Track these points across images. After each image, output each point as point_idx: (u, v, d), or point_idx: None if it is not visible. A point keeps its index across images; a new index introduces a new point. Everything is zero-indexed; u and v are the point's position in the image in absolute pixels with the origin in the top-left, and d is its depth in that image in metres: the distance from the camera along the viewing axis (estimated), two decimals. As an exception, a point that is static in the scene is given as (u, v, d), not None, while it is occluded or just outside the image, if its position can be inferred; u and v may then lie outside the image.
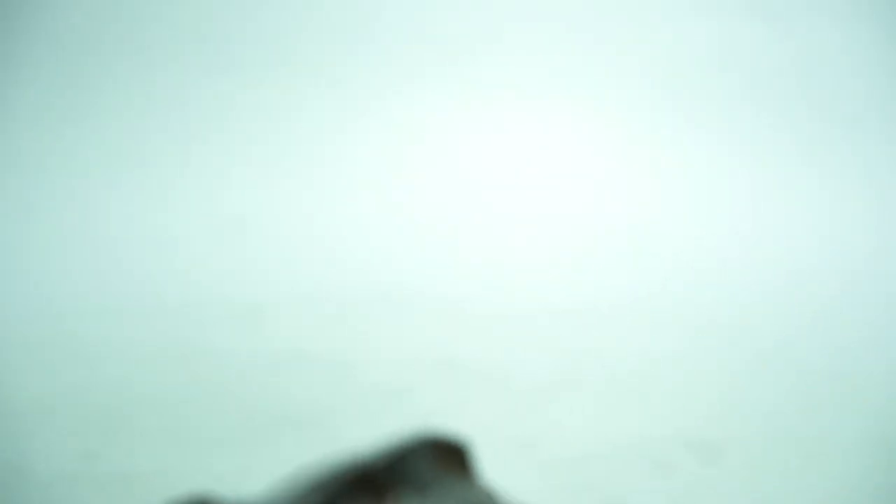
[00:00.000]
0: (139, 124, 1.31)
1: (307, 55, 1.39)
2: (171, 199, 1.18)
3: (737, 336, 0.89)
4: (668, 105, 1.39)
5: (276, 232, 1.13)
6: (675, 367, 0.82)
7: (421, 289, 0.98)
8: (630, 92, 1.39)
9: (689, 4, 1.44)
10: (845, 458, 0.69)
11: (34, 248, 1.05)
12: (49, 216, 1.13)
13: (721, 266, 1.07)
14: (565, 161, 1.28)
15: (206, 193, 1.21)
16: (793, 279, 1.04)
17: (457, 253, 1.12)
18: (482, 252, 1.13)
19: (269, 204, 1.20)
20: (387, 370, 0.80)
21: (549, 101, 1.30)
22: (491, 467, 0.67)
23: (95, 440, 0.68)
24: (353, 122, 1.34)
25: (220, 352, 0.82)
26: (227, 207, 1.18)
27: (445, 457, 0.72)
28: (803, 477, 0.67)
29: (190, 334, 0.86)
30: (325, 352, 0.83)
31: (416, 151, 1.21)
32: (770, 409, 0.76)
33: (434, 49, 1.40)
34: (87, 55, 1.36)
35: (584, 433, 0.72)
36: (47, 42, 1.36)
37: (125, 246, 1.07)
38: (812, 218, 1.20)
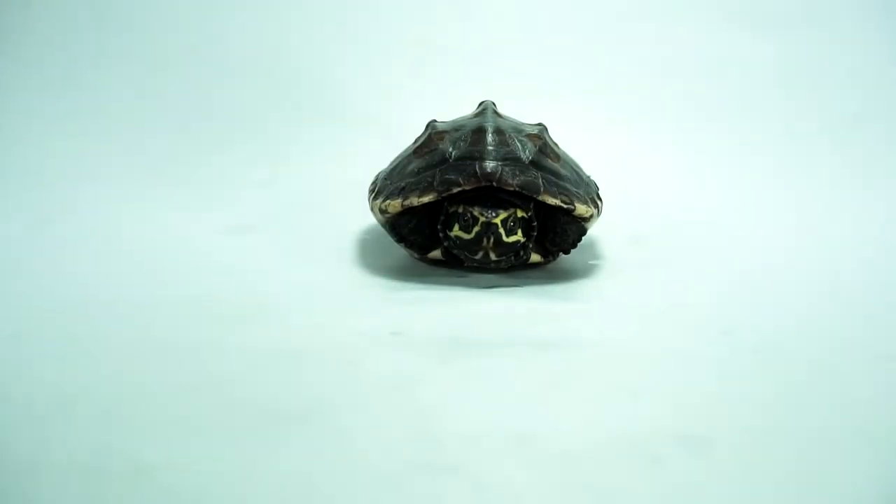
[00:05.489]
0: (149, 129, 1.31)
1: (308, 55, 1.39)
2: (181, 201, 1.18)
3: (727, 330, 0.89)
4: (668, 106, 1.39)
5: (277, 230, 1.13)
6: (667, 362, 0.82)
7: (421, 284, 0.98)
8: (629, 95, 1.39)
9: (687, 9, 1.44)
10: (837, 451, 0.70)
11: (48, 248, 1.06)
12: (64, 219, 1.13)
13: (714, 261, 1.07)
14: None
15: (213, 194, 1.21)
16: (783, 273, 1.04)
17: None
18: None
19: (271, 203, 1.20)
20: (387, 365, 0.81)
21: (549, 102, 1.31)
22: (487, 461, 0.68)
23: (108, 434, 0.69)
24: (354, 120, 1.35)
25: (229, 347, 0.82)
26: (233, 207, 1.18)
27: None
28: (794, 470, 0.68)
29: (200, 330, 0.86)
30: (327, 347, 0.83)
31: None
32: (760, 403, 0.76)
33: (442, 51, 1.41)
34: (90, 57, 1.36)
35: (579, 428, 0.72)
36: (52, 42, 1.36)
37: (136, 246, 1.07)
38: (803, 213, 1.19)
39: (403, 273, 1.00)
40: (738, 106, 1.37)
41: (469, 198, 0.96)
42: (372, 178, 1.06)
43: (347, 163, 1.27)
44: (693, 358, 0.83)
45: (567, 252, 1.00)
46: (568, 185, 0.98)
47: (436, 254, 0.99)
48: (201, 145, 1.29)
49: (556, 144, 1.04)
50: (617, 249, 1.08)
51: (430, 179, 0.96)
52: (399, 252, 1.03)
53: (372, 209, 1.02)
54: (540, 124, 1.05)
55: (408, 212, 0.98)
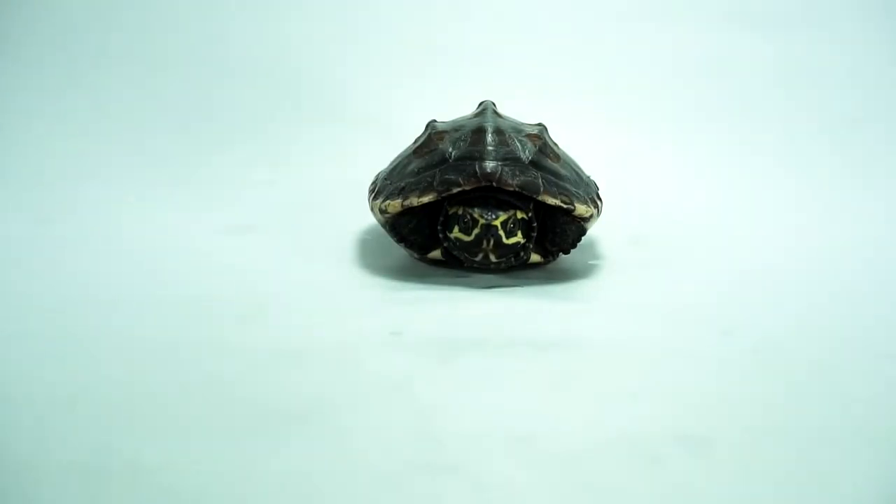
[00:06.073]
0: (149, 129, 1.31)
1: (308, 55, 1.39)
2: (181, 201, 1.19)
3: (727, 330, 0.89)
4: (667, 108, 1.39)
5: (277, 230, 1.13)
6: (667, 362, 0.83)
7: (421, 284, 0.98)
8: (627, 98, 1.39)
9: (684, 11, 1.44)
10: (837, 451, 0.70)
11: (48, 248, 1.06)
12: (64, 219, 1.13)
13: (714, 261, 1.07)
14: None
15: (213, 194, 1.21)
16: (783, 273, 1.04)
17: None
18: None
19: (271, 203, 1.20)
20: (387, 365, 0.81)
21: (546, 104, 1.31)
22: (487, 461, 0.68)
23: (108, 434, 0.69)
24: (354, 120, 1.35)
25: (229, 347, 0.83)
26: (233, 207, 1.18)
27: None
28: (794, 470, 0.68)
29: (200, 330, 0.86)
30: (327, 347, 0.83)
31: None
32: (760, 403, 0.76)
33: (435, 52, 1.41)
34: (90, 57, 1.36)
35: (579, 428, 0.72)
36: (52, 42, 1.36)
37: (136, 246, 1.07)
38: (803, 213, 1.20)
39: (403, 273, 1.00)
40: (738, 106, 1.38)
41: (469, 198, 0.96)
42: (372, 178, 1.06)
43: (347, 163, 1.27)
44: (693, 358, 0.83)
45: (567, 252, 1.00)
46: (568, 185, 0.98)
47: (436, 254, 1.00)
48: (201, 145, 1.29)
49: (556, 144, 1.04)
50: (617, 249, 1.08)
51: (429, 179, 0.96)
52: (399, 252, 1.03)
53: (372, 209, 1.02)
54: (540, 124, 1.05)
55: (408, 212, 0.98)
